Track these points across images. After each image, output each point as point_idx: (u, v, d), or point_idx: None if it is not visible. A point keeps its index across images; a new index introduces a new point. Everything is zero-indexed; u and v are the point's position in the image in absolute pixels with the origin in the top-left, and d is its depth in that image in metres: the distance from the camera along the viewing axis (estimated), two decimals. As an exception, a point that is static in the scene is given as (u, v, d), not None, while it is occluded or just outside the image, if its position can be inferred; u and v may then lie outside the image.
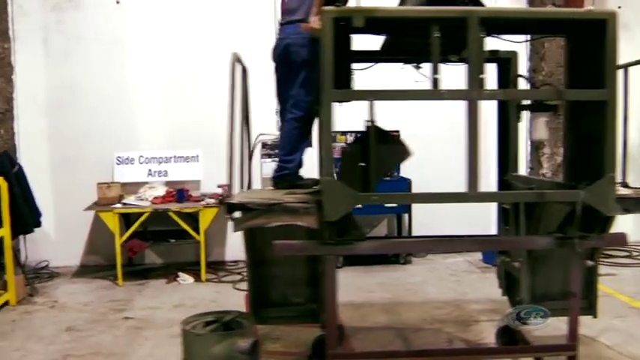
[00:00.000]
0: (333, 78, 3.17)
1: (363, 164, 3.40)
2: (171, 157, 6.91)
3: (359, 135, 3.75)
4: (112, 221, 6.19)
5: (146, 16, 6.92)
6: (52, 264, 6.91)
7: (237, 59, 3.96)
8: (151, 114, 6.99)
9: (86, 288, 6.33)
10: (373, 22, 3.23)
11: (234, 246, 7.10)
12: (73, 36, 6.85)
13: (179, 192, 6.45)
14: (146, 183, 6.79)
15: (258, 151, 7.09)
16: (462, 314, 5.33)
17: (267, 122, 7.11)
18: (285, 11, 4.33)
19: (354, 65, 4.03)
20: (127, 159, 6.89)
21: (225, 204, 3.39)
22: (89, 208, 6.41)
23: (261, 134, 7.00)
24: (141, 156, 6.89)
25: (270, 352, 4.40)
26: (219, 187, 6.46)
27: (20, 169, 5.92)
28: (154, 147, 6.95)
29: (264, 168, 7.05)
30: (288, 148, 4.16)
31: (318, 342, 3.98)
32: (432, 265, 7.06)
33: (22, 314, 5.51)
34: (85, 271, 6.95)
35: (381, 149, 3.36)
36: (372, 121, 3.31)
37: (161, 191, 6.56)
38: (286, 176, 4.10)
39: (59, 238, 6.98)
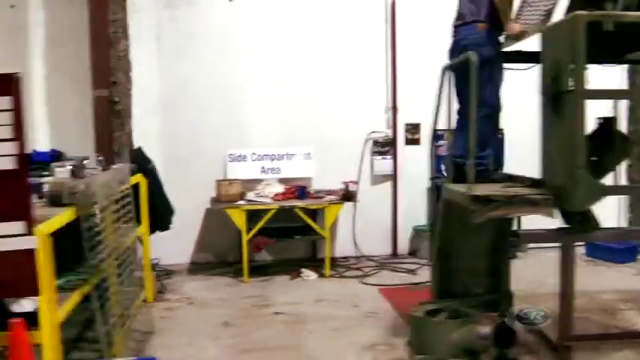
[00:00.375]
0: (583, 78, 3.27)
1: (594, 159, 3.50)
2: (283, 155, 6.93)
3: (594, 131, 3.81)
4: (238, 218, 6.22)
5: (258, 15, 6.94)
6: (163, 261, 6.91)
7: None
8: (262, 111, 7.01)
9: (210, 285, 6.34)
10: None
11: (344, 243, 7.19)
12: (186, 33, 6.86)
13: (300, 189, 6.49)
14: (261, 180, 6.81)
15: (369, 149, 7.19)
16: (601, 304, 5.41)
17: (377, 120, 7.27)
18: (461, 14, 4.44)
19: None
20: (240, 156, 6.90)
21: (471, 196, 3.45)
22: (213, 205, 6.45)
23: (372, 132, 7.16)
24: (253, 153, 6.91)
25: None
26: (344, 183, 6.52)
27: (154, 166, 5.92)
28: (265, 144, 6.97)
29: (376, 165, 7.14)
30: (481, 145, 4.22)
31: (499, 330, 4.06)
32: (537, 258, 7.12)
33: (164, 311, 5.52)
34: (197, 268, 6.97)
35: (615, 145, 3.47)
36: (611, 119, 3.42)
37: (279, 188, 6.59)
38: (483, 172, 4.16)
39: (169, 235, 6.97)
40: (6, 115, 2.69)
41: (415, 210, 7.14)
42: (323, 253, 7.11)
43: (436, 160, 7.11)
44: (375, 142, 7.09)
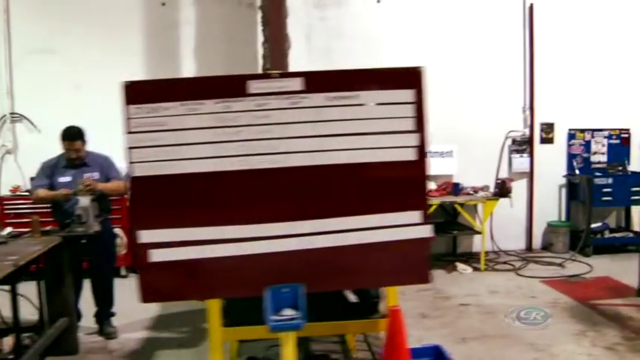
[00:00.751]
0: None
1: None
2: (432, 152, 7.10)
3: None
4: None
5: (404, 15, 7.12)
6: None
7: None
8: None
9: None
10: None
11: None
12: (335, 33, 7.01)
13: (455, 185, 6.69)
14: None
15: (507, 147, 7.41)
16: None
17: (515, 120, 7.48)
18: None
19: None
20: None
21: None
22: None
23: (510, 131, 7.37)
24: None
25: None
26: (499, 179, 6.73)
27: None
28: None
29: (514, 163, 7.36)
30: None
31: None
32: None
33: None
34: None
35: None
36: None
37: (432, 185, 6.77)
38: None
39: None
40: (409, 108, 2.82)
41: (548, 206, 7.41)
42: (464, 248, 7.33)
43: (569, 157, 7.45)
44: (514, 141, 7.32)
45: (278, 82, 2.53)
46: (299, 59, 6.95)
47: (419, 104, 2.82)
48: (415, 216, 2.85)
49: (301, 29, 6.95)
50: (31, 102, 6.95)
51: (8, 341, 4.15)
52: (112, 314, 4.93)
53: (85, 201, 4.45)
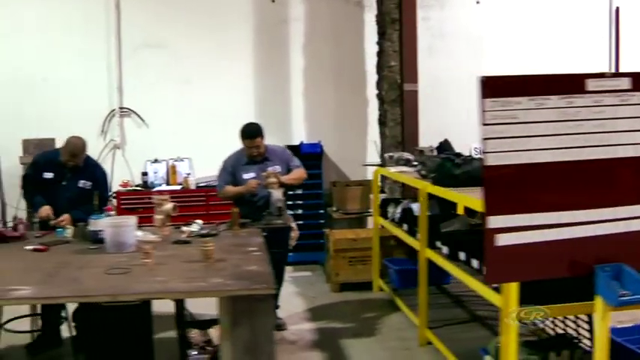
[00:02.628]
0: None
1: None
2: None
3: None
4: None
5: (504, 15, 7.41)
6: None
7: None
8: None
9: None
10: None
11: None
12: (437, 33, 7.25)
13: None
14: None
15: None
16: None
17: None
18: None
19: None
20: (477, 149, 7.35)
21: None
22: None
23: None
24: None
25: None
26: None
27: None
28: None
29: None
30: None
31: None
32: None
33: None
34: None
35: None
36: None
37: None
38: None
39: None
40: None
41: None
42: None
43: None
44: None
45: (611, 81, 2.77)
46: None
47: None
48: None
49: (407, 29, 7.19)
50: (140, 96, 6.98)
51: (214, 332, 4.26)
52: (278, 307, 5.05)
53: (277, 193, 4.57)
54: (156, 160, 6.98)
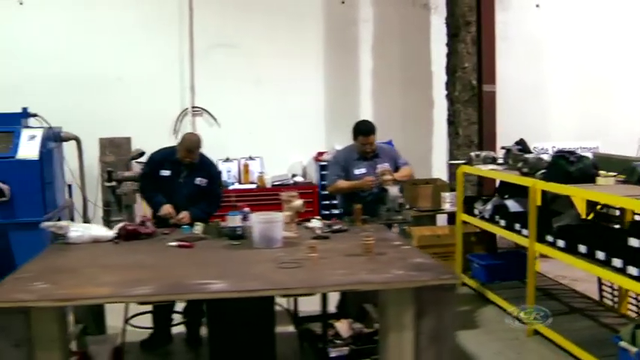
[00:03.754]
0: None
1: None
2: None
3: None
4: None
5: (563, 18, 7.64)
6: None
7: None
8: (563, 107, 7.70)
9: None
10: None
11: None
12: (501, 36, 7.41)
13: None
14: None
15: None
16: None
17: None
18: None
19: None
20: (542, 149, 7.54)
21: None
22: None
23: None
24: (553, 147, 7.56)
25: None
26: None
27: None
28: (562, 138, 7.65)
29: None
30: None
31: None
32: None
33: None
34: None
35: None
36: None
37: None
38: None
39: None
40: None
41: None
42: None
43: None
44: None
45: None
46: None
47: None
48: None
49: (470, 31, 7.38)
50: (211, 96, 7.05)
51: (342, 325, 4.36)
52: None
53: (394, 190, 4.68)
54: (227, 159, 7.06)
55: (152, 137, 6.64)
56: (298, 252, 3.69)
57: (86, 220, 6.40)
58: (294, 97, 7.11)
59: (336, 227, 4.32)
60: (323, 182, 6.96)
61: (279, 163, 7.13)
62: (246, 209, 4.30)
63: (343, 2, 7.20)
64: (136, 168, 6.57)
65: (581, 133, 7.72)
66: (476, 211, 5.88)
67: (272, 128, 7.06)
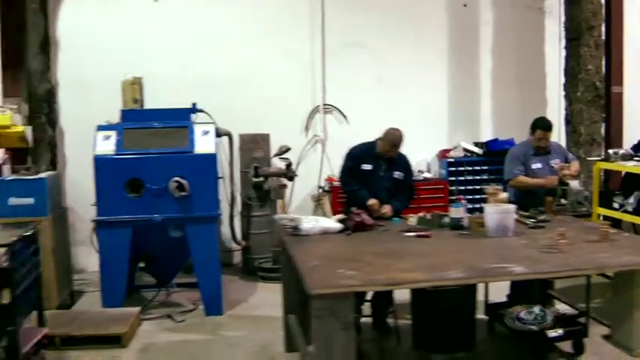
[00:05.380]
0: None
1: None
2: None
3: None
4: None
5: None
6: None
7: None
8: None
9: None
10: None
11: None
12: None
13: None
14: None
15: None
16: None
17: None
18: None
19: None
20: None
21: None
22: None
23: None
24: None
25: None
26: None
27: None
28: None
29: None
30: None
31: None
32: None
33: None
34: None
35: None
36: None
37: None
38: None
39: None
40: None
41: None
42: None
43: None
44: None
45: None
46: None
47: None
48: None
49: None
50: (340, 94, 7.30)
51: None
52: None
53: (575, 184, 5.01)
54: (357, 156, 7.30)
55: (285, 134, 6.95)
56: (541, 239, 3.99)
57: (233, 214, 6.66)
58: (417, 95, 7.39)
59: (542, 217, 4.63)
60: (450, 178, 7.30)
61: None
62: (463, 201, 4.59)
63: (465, 5, 7.51)
64: (278, 164, 6.84)
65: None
66: (615, 205, 6.21)
67: (398, 125, 7.29)
